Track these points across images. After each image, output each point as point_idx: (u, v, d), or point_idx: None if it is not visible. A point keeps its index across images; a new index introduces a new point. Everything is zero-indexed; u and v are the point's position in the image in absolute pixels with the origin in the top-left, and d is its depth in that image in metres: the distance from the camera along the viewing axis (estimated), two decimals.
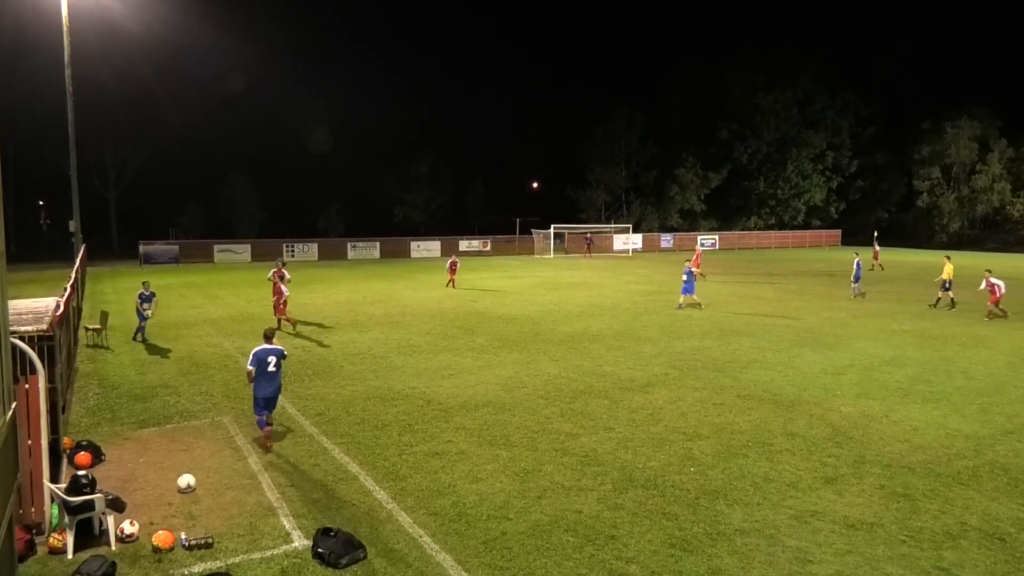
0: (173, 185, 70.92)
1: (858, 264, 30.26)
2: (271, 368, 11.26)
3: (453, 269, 34.66)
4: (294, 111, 76.64)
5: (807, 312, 25.73)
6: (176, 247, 52.33)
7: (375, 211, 78.26)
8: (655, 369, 16.61)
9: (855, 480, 9.91)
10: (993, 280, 24.43)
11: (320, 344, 19.81)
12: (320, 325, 22.87)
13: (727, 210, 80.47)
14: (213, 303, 28.58)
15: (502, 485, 9.75)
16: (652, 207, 79.10)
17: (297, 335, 21.06)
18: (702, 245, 49.50)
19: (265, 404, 11.34)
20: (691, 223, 78.80)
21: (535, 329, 22.20)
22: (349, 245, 56.96)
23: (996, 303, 24.39)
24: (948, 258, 28.42)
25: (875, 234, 27.60)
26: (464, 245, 61.75)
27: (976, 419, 12.76)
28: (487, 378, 15.76)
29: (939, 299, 27.22)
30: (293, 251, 54.75)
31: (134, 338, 20.58)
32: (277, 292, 22.31)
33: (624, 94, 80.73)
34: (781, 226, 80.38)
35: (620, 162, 78.20)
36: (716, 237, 72.89)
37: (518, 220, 68.93)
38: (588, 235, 61.72)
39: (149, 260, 49.84)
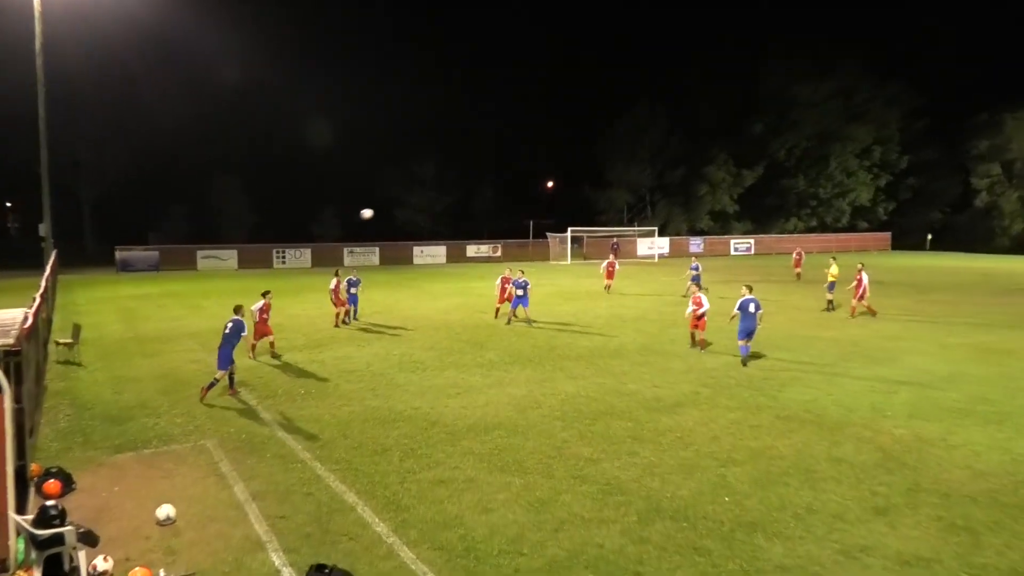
0: (154, 186, 71.38)
1: (694, 267, 34.16)
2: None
3: (611, 272, 35.47)
4: (288, 107, 77.25)
5: (853, 324, 25.55)
6: (156, 253, 52.70)
7: (375, 214, 78.49)
8: (684, 387, 16.52)
9: (909, 511, 9.80)
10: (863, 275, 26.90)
11: (313, 360, 19.81)
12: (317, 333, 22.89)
13: (763, 211, 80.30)
14: (196, 314, 28.68)
15: (515, 516, 9.69)
16: (679, 208, 79.03)
17: (286, 352, 21.06)
18: (614, 251, 49.58)
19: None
20: (723, 225, 78.68)
21: (550, 343, 22.14)
22: (346, 250, 57.11)
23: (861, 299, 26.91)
24: (834, 259, 30.01)
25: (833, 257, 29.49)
26: (472, 251, 61.84)
27: None
28: (498, 397, 15.71)
29: (829, 302, 28.74)
30: (284, 257, 54.98)
31: (347, 322, 25.44)
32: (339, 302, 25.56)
33: (648, 86, 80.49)
34: (824, 228, 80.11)
35: (644, 160, 78.27)
36: (751, 241, 72.67)
37: (531, 223, 68.92)
38: (615, 241, 61.58)
39: (127, 267, 50.21)
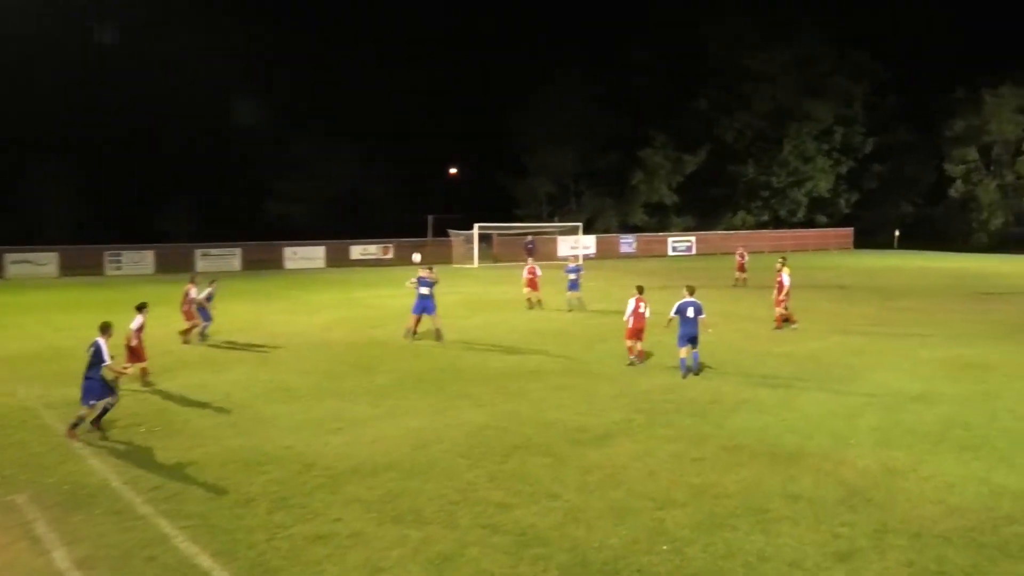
0: None
1: (572, 269, 33.45)
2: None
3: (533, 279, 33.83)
4: (126, 72, 74.81)
5: (810, 336, 26.36)
6: None
7: (236, 207, 77.06)
8: (614, 415, 16.72)
9: (875, 555, 10.11)
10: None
11: (157, 389, 19.35)
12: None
13: (707, 203, 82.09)
14: (4, 336, 27.62)
15: None
16: (610, 200, 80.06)
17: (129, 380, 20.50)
18: (529, 251, 49.41)
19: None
20: (660, 220, 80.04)
21: (454, 364, 22.17)
22: (199, 252, 56.15)
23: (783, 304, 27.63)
24: (783, 260, 29.56)
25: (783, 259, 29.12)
26: (358, 252, 61.40)
27: None
28: (389, 432, 15.62)
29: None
30: (119, 261, 53.52)
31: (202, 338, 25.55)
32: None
33: (574, 52, 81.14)
34: (777, 223, 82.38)
35: (568, 142, 78.84)
36: (692, 239, 74.20)
37: (430, 218, 68.84)
38: (530, 239, 62.18)
39: None
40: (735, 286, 41.25)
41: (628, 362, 21.63)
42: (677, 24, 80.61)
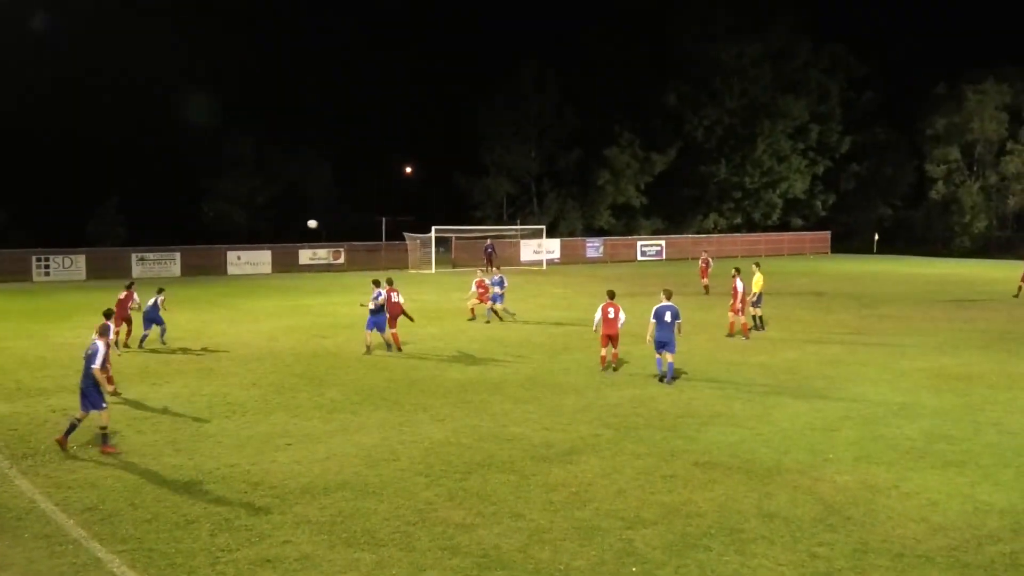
0: None
1: (495, 282, 32.95)
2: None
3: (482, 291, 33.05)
4: (53, 62, 73.87)
5: (787, 346, 26.59)
6: None
7: (174, 208, 76.24)
8: (581, 429, 16.77)
9: None
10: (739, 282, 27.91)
11: None
12: None
13: (677, 205, 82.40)
14: None
15: None
16: (574, 201, 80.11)
17: (53, 395, 20.24)
18: (488, 256, 49.18)
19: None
20: (628, 223, 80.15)
21: (411, 375, 22.13)
22: (135, 257, 55.58)
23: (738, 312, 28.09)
24: (757, 265, 30.23)
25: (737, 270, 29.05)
26: (307, 256, 61.02)
27: (1014, 487, 13.36)
28: (342, 448, 15.57)
29: (756, 319, 29.52)
30: (48, 267, 52.78)
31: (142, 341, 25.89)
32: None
33: (535, 45, 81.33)
34: (751, 226, 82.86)
35: (529, 139, 78.91)
36: (662, 243, 74.47)
37: (384, 220, 68.59)
38: (489, 243, 62.28)
39: None
40: (707, 294, 41.47)
41: (611, 369, 22.21)
42: (644, 14, 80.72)
